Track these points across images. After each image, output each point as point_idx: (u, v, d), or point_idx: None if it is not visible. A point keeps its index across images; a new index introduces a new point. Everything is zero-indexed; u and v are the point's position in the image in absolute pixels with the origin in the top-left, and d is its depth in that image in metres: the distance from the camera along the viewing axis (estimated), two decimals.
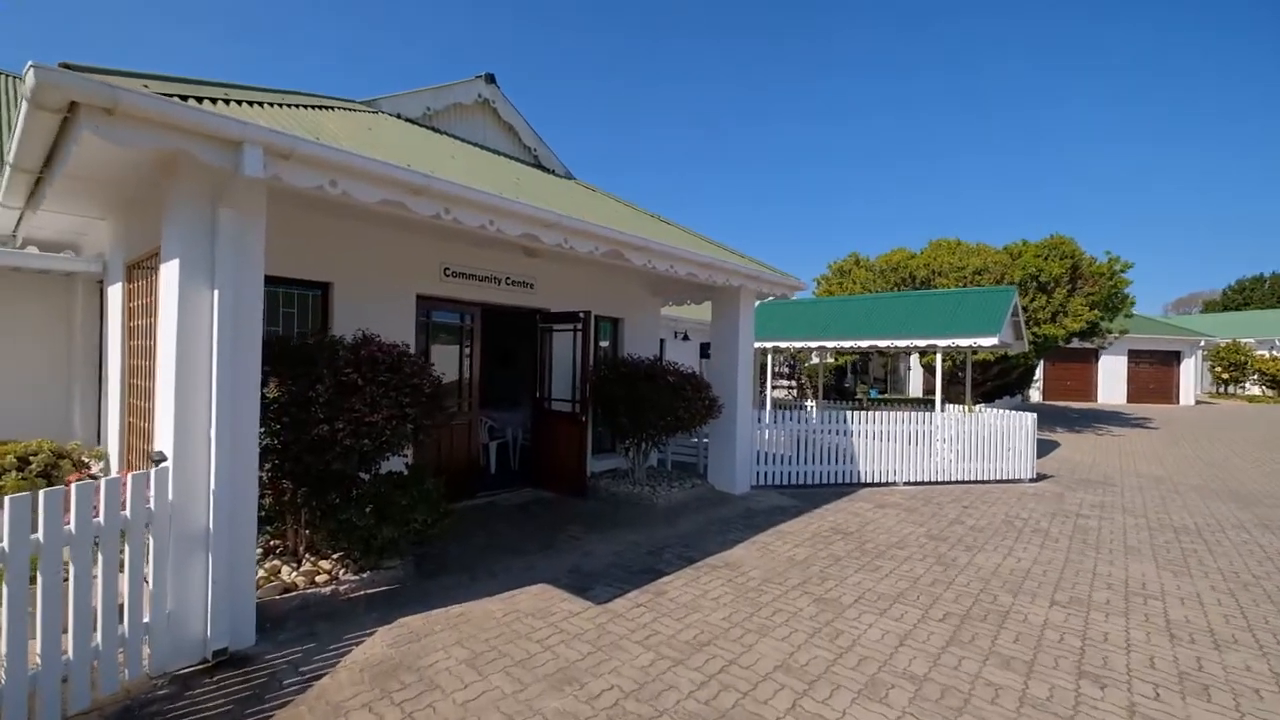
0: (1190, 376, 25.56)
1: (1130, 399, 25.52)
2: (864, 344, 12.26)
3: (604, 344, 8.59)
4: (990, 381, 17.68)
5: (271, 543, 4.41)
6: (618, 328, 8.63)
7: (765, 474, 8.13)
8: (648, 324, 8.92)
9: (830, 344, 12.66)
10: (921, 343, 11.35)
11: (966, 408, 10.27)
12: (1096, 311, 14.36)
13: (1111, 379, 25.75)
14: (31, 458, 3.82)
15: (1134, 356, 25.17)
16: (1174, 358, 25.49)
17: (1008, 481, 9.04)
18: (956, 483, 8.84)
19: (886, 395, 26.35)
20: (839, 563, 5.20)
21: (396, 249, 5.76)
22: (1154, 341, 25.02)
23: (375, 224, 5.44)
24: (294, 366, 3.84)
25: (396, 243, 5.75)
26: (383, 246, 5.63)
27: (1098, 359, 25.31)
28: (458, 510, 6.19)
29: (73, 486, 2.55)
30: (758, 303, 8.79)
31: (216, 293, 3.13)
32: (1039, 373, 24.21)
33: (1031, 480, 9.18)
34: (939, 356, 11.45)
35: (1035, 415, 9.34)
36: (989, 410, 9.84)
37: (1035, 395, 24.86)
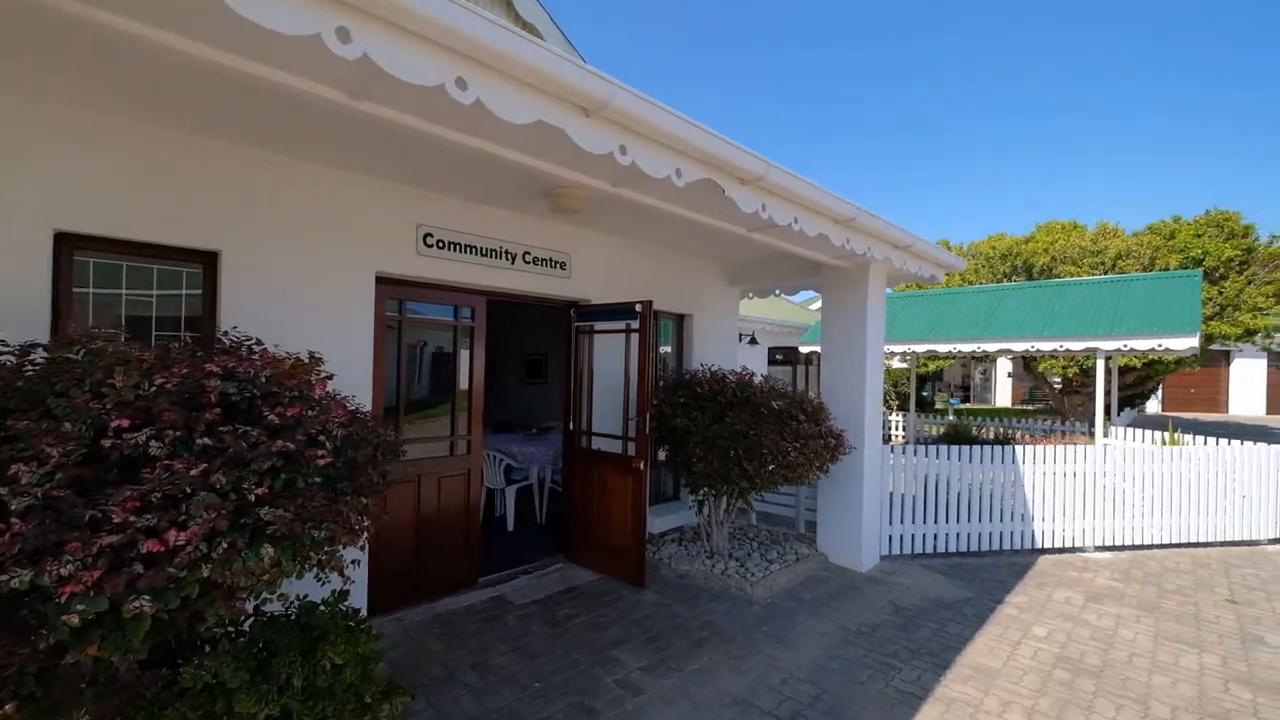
0: None
1: (1270, 409, 21.56)
2: (991, 347, 9.53)
3: (664, 348, 6.25)
4: (1120, 391, 14.52)
5: None
6: (682, 328, 6.27)
7: (894, 537, 5.61)
8: (723, 322, 6.53)
9: (943, 347, 9.97)
10: (1078, 345, 8.57)
11: (1178, 437, 7.47)
12: None
13: (1246, 387, 21.83)
14: None
15: (1274, 359, 21.23)
16: None
17: (1240, 544, 6.25)
18: (1167, 546, 6.11)
19: (971, 406, 23.13)
20: None
21: (337, 198, 3.55)
22: None
23: (287, 149, 3.23)
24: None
25: (337, 189, 3.55)
26: (311, 193, 3.43)
27: (1229, 363, 21.49)
28: (443, 616, 3.95)
29: None
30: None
31: None
32: None
33: (1273, 542, 6.36)
34: (1101, 364, 8.66)
35: (1278, 449, 6.50)
36: (1203, 441, 7.04)
37: (1153, 406, 21.24)
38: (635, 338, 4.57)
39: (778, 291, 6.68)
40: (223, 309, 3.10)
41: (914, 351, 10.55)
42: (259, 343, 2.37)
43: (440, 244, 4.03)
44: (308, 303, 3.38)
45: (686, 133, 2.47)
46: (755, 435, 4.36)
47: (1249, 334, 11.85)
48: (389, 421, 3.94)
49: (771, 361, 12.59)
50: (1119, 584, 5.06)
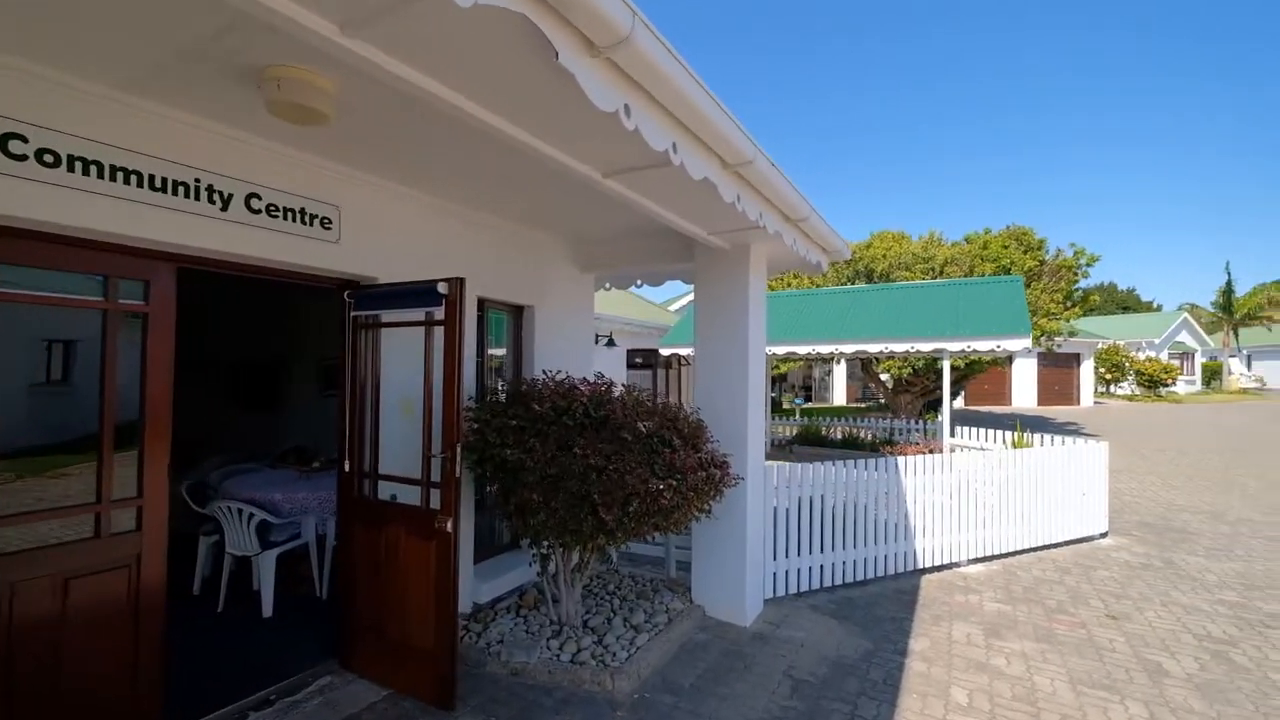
0: (1089, 378, 26.14)
1: (1039, 402, 25.58)
2: (848, 348, 9.38)
3: (495, 351, 4.78)
4: (939, 388, 15.81)
5: None
6: (521, 323, 4.85)
7: (779, 574, 4.71)
8: (575, 318, 5.21)
9: (802, 349, 9.66)
10: (927, 346, 8.64)
11: (1024, 438, 7.61)
12: (1076, 310, 12.70)
13: (1024, 382, 25.69)
14: None
15: (1041, 359, 25.24)
16: (1074, 360, 25.94)
17: (1079, 542, 6.36)
18: (1026, 552, 5.99)
19: (813, 405, 24.42)
20: None
21: None
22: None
23: None
24: None
25: None
26: None
27: (1012, 362, 25.09)
28: None
29: None
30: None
31: None
32: None
33: (1102, 536, 6.60)
34: (947, 365, 8.83)
35: (1106, 445, 6.79)
36: (1046, 442, 7.23)
37: (958, 401, 24.04)
38: (440, 333, 3.07)
39: (640, 282, 5.55)
40: None
41: (775, 354, 10.17)
42: None
43: (51, 158, 2.19)
44: None
45: None
46: (615, 471, 3.10)
47: (1041, 335, 13.31)
48: None
49: (631, 365, 11.60)
50: (1006, 606, 4.62)
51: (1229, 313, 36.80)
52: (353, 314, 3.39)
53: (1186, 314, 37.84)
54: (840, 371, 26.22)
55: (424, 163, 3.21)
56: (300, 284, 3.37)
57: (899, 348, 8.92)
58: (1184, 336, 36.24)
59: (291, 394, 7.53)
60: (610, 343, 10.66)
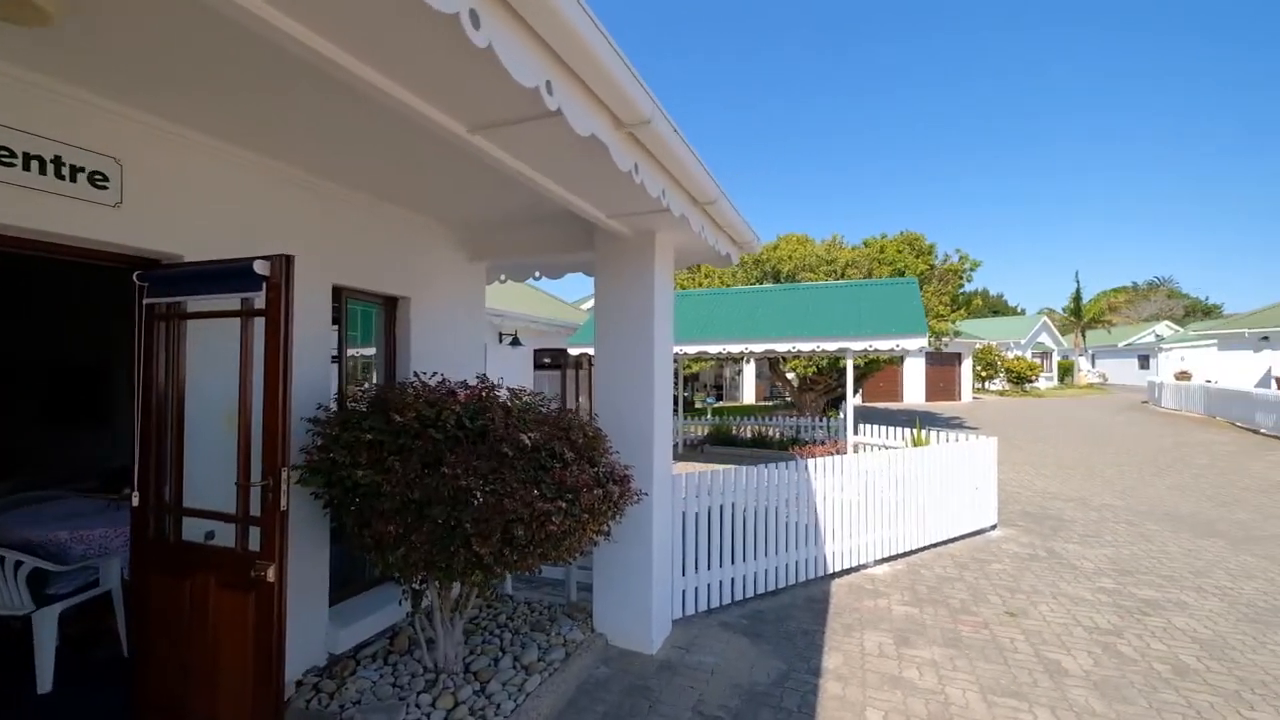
0: (968, 376, 28.48)
1: (927, 398, 27.51)
2: (758, 348, 9.33)
3: (361, 351, 4.08)
4: (841, 387, 16.46)
5: None
6: (395, 319, 4.16)
7: (687, 591, 4.36)
8: (461, 312, 4.58)
9: (713, 348, 9.50)
10: (832, 346, 8.73)
11: (924, 435, 7.77)
12: (962, 312, 13.54)
13: (913, 380, 27.52)
14: None
15: (929, 358, 27.19)
16: (956, 359, 28.16)
17: (973, 535, 6.57)
18: (927, 549, 6.07)
19: (724, 405, 24.81)
20: None
21: None
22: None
23: None
24: None
25: None
26: None
27: (903, 361, 26.80)
28: None
29: None
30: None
31: None
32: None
33: (993, 528, 6.87)
34: (850, 364, 8.97)
35: (996, 440, 7.08)
36: (939, 437, 7.45)
37: (857, 398, 25.32)
38: (261, 325, 2.40)
39: (538, 274, 5.01)
40: None
41: (686, 353, 9.96)
42: None
43: None
44: None
45: None
46: (493, 493, 2.57)
47: (932, 335, 14.12)
48: None
49: (539, 366, 10.98)
50: (914, 609, 4.55)
51: (1078, 316, 41.74)
52: (146, 301, 2.62)
53: (1045, 318, 42.48)
54: (750, 371, 26.87)
55: (246, 111, 2.51)
56: (69, 262, 2.55)
57: (806, 347, 8.97)
58: (1044, 338, 40.61)
59: (123, 405, 6.28)
60: (515, 342, 9.98)
